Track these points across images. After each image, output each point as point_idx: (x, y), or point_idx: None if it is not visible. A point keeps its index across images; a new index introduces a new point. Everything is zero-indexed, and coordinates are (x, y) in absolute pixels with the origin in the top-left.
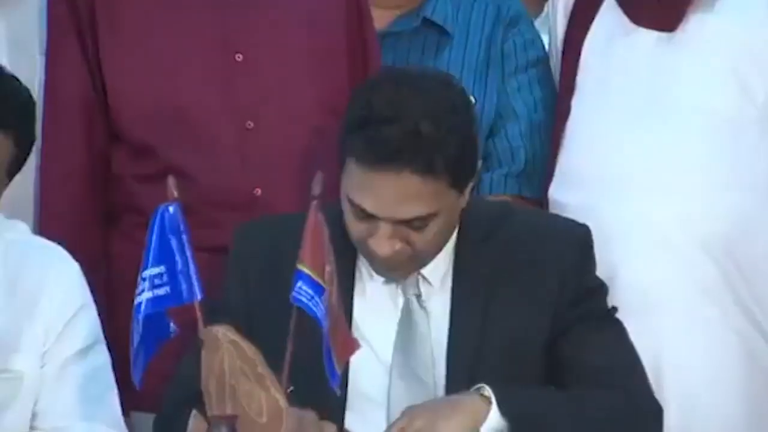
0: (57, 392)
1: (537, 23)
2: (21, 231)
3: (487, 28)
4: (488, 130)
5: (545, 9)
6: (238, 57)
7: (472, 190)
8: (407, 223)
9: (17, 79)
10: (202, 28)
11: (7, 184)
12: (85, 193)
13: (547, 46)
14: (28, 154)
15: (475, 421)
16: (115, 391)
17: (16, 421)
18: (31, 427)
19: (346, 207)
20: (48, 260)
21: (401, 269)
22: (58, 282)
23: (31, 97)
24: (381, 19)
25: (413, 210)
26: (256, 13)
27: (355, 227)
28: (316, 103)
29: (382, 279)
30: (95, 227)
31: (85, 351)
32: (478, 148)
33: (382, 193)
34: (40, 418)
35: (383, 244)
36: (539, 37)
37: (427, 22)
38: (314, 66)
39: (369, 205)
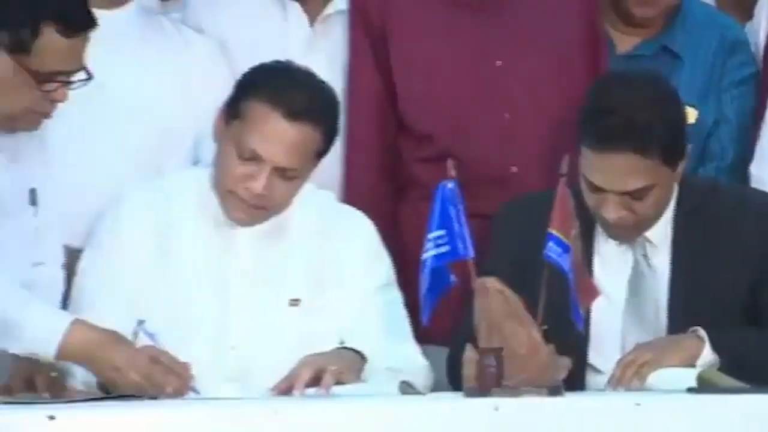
0: (362, 318)
1: (746, 28)
2: (329, 198)
3: (711, 51)
4: (706, 134)
5: (753, 17)
6: (498, 63)
7: (685, 168)
8: (630, 194)
9: (325, 82)
10: (469, 41)
11: (315, 167)
12: (381, 173)
13: (753, 48)
14: (332, 143)
15: (692, 356)
16: (408, 320)
17: (320, 350)
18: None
19: (582, 182)
20: (351, 219)
21: (628, 232)
22: (361, 237)
23: (336, 97)
24: (625, 42)
25: (634, 183)
26: (510, 27)
27: (590, 199)
28: (559, 98)
29: (615, 242)
30: (389, 200)
31: (384, 287)
32: (685, 133)
33: (608, 171)
34: (346, 340)
35: (611, 211)
36: (753, 57)
37: (665, 48)
38: (556, 69)
39: (599, 181)
